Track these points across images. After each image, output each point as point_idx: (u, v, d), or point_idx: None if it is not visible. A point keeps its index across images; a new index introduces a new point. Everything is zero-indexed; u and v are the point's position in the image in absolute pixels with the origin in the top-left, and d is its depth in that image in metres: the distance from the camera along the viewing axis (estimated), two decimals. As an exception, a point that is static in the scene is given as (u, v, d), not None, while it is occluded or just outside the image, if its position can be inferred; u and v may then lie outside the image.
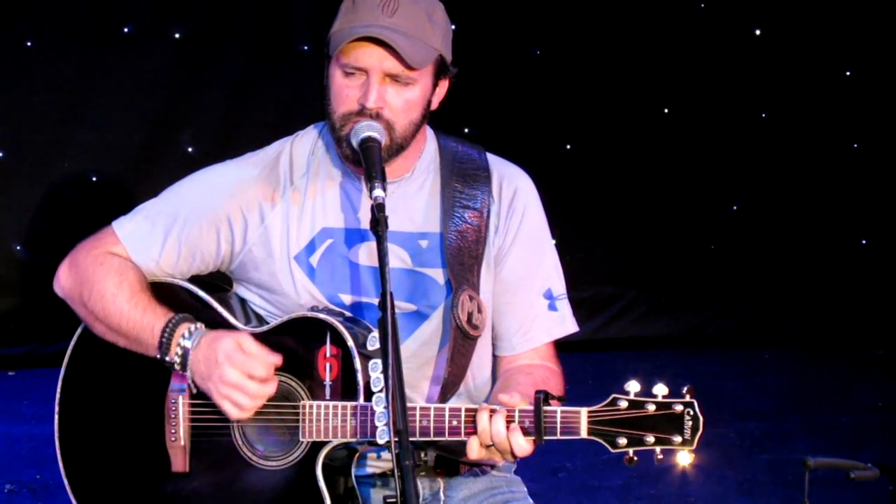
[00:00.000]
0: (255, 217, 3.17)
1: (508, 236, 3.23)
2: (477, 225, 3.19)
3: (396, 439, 2.72)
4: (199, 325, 3.07)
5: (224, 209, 3.17)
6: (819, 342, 8.62)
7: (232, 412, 3.01)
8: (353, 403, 2.98)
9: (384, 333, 2.76)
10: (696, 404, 2.84)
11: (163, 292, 3.17)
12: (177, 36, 7.68)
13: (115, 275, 3.13)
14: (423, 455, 3.12)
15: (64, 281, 3.19)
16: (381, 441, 2.92)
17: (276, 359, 3.01)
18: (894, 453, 6.23)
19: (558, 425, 2.87)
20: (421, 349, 3.17)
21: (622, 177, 8.50)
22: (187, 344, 3.04)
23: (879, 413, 7.19)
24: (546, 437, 2.88)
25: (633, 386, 2.86)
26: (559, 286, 3.27)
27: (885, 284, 8.74)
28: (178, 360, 3.06)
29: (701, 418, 2.83)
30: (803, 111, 8.64)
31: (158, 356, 3.07)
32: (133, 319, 3.10)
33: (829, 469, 3.32)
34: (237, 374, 2.98)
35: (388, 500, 2.93)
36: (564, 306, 3.26)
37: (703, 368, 8.04)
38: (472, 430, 2.92)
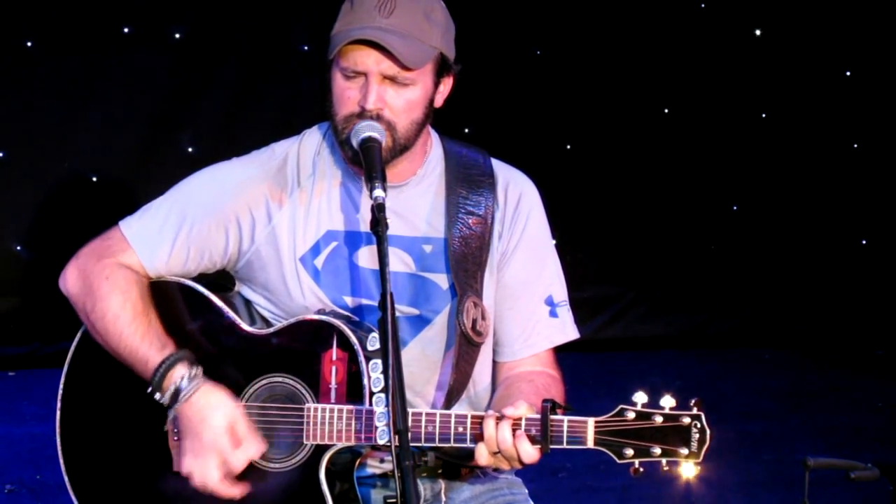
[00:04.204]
0: (262, 216, 3.16)
1: (512, 241, 3.23)
2: (481, 231, 3.19)
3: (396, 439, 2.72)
4: (194, 372, 3.04)
5: (232, 208, 3.16)
6: (819, 342, 8.62)
7: (189, 474, 3.03)
8: (358, 407, 2.98)
9: (384, 333, 2.77)
10: (703, 417, 2.84)
11: (168, 293, 3.17)
12: (177, 36, 7.68)
13: (119, 293, 3.11)
14: (423, 456, 3.13)
15: (71, 284, 3.18)
16: (381, 441, 2.92)
17: (256, 455, 3.02)
18: (894, 453, 6.23)
19: (565, 434, 2.88)
20: (424, 353, 3.17)
21: (622, 177, 8.51)
22: (179, 391, 3.02)
23: (879, 413, 7.19)
24: (552, 446, 2.88)
25: (641, 397, 2.86)
26: (560, 293, 3.26)
27: (885, 284, 8.74)
28: (166, 401, 3.05)
29: (708, 431, 2.84)
30: (803, 111, 8.64)
31: (149, 391, 3.07)
32: (130, 346, 3.08)
33: (829, 469, 3.32)
34: (213, 459, 3.00)
35: (389, 501, 2.93)
36: (565, 313, 3.26)
37: (703, 368, 8.04)
38: (478, 436, 2.92)
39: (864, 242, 8.80)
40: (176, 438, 3.11)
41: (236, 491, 3.03)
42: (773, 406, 7.28)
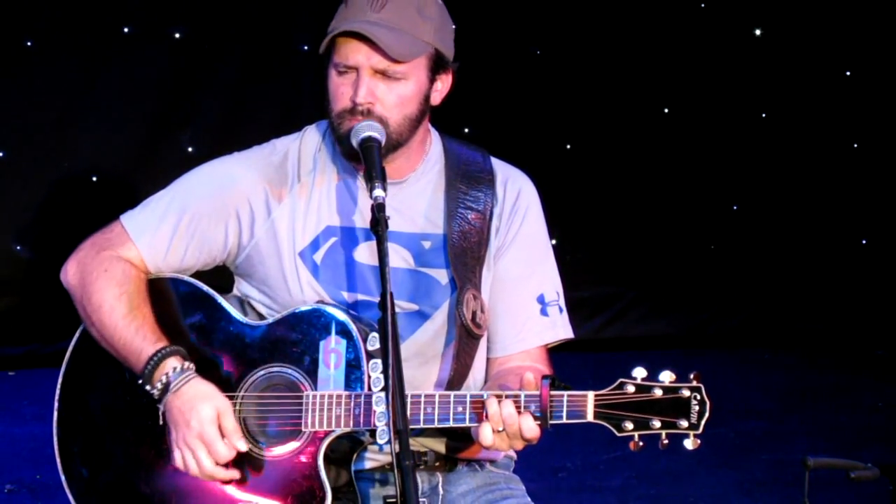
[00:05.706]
0: (262, 210, 3.18)
1: (508, 236, 3.25)
2: (479, 227, 3.21)
3: (396, 439, 2.73)
4: (187, 365, 3.07)
5: (232, 201, 3.18)
6: (819, 342, 8.62)
7: (179, 465, 3.05)
8: (357, 393, 3.00)
9: (384, 334, 2.77)
10: (703, 389, 2.85)
11: (166, 289, 3.18)
12: (176, 36, 7.68)
13: (115, 285, 3.13)
14: (423, 455, 3.14)
15: (71, 276, 3.20)
16: (381, 441, 2.93)
17: (243, 447, 3.02)
18: (894, 453, 6.23)
19: (565, 409, 2.88)
20: (423, 349, 3.18)
21: (622, 177, 8.51)
22: (169, 382, 3.04)
23: (879, 413, 7.19)
24: (552, 422, 2.89)
25: (640, 371, 2.87)
26: (552, 292, 3.27)
27: (885, 284, 8.74)
28: (156, 393, 3.06)
29: (708, 403, 2.84)
30: (803, 111, 8.63)
31: (140, 382, 3.08)
32: (124, 338, 3.10)
33: (829, 469, 3.33)
34: (201, 447, 3.01)
35: (389, 501, 2.93)
36: (556, 312, 3.26)
37: (703, 368, 8.00)
38: (479, 415, 2.92)
39: (864, 242, 8.80)
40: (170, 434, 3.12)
41: (230, 474, 3.03)
42: (773, 406, 7.28)
